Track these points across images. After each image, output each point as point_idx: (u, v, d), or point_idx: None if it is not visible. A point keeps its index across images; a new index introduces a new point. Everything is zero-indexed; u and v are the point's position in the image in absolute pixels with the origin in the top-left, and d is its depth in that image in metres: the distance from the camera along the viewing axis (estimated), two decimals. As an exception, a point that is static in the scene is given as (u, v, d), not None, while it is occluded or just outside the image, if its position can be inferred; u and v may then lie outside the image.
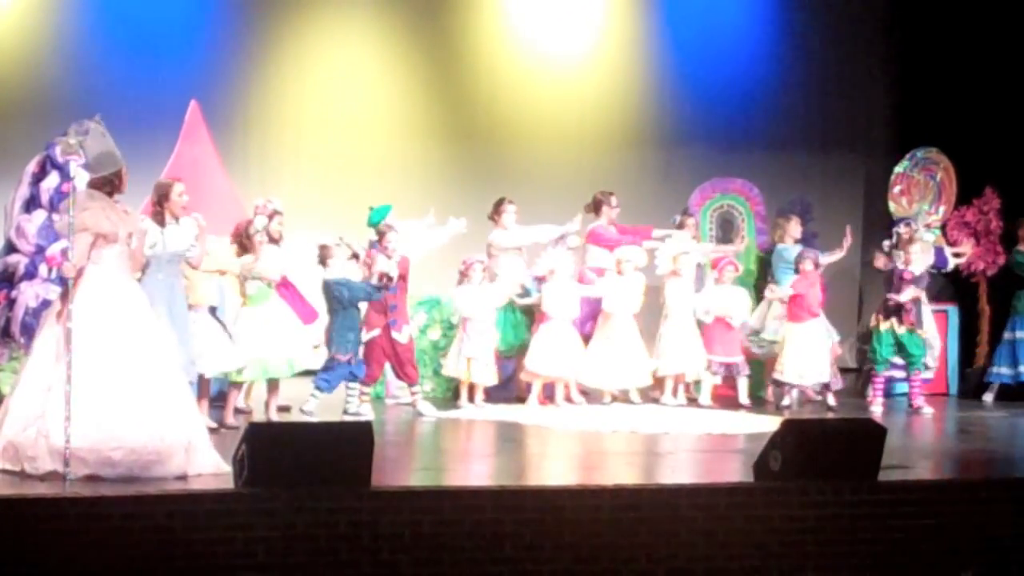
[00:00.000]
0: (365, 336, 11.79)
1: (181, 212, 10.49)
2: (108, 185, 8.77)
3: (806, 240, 13.96)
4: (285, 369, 11.17)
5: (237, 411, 11.20)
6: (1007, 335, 14.20)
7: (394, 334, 11.82)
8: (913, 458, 10.22)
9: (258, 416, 11.29)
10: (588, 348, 12.97)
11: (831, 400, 12.89)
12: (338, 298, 11.52)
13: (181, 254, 10.44)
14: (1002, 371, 14.14)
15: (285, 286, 11.44)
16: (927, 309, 13.58)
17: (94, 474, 8.11)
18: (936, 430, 12.62)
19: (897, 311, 12.96)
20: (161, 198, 10.49)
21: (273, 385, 11.27)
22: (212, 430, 9.65)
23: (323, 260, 11.68)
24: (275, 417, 11.15)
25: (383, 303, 11.77)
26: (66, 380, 8.17)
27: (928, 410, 12.92)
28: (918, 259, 13.13)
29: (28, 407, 8.35)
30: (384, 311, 11.81)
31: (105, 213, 8.64)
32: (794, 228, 13.86)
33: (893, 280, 13.05)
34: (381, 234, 11.95)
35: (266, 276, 11.13)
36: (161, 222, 10.40)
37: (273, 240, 11.36)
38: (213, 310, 10.96)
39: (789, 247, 13.72)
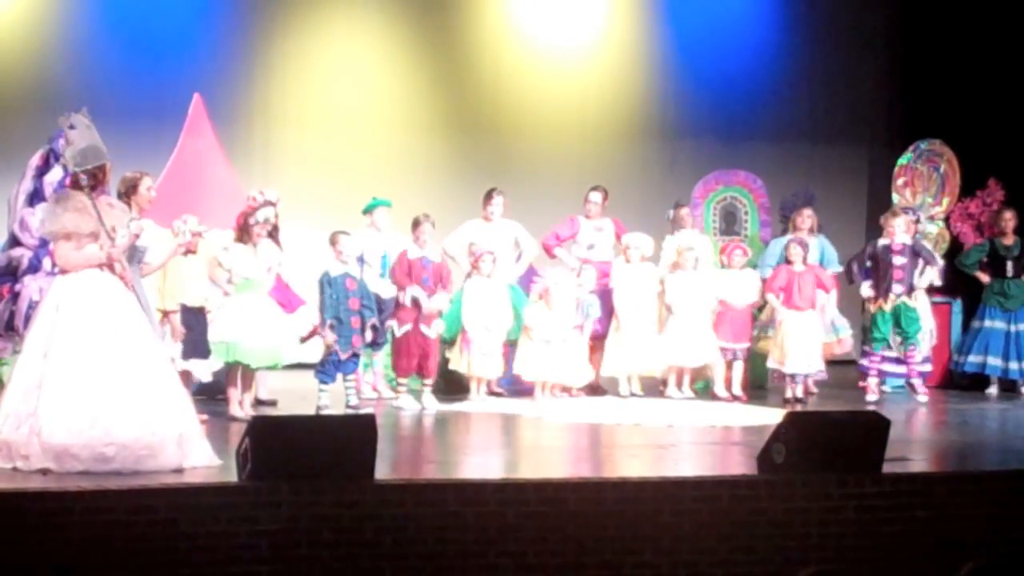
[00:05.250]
0: (398, 331, 11.86)
1: (147, 207, 10.31)
2: (91, 179, 8.57)
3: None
4: (257, 358, 10.79)
5: (259, 402, 10.99)
6: (975, 323, 14.20)
7: (423, 328, 11.87)
8: (916, 450, 10.21)
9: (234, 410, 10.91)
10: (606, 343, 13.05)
11: (799, 392, 12.78)
12: (323, 287, 11.37)
13: (142, 251, 10.27)
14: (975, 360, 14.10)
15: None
16: (924, 297, 13.53)
17: (87, 470, 8.04)
18: (937, 422, 12.61)
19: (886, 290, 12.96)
20: (128, 191, 10.20)
21: (247, 379, 10.93)
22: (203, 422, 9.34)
23: (332, 243, 11.50)
24: (250, 413, 10.65)
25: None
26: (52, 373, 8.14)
27: (923, 397, 12.89)
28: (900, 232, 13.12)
29: (20, 404, 8.30)
30: (419, 307, 11.85)
31: (80, 214, 8.49)
32: (803, 220, 13.50)
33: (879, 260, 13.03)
34: (417, 224, 11.91)
35: (235, 272, 10.80)
36: None
37: (268, 232, 11.17)
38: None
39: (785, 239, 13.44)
